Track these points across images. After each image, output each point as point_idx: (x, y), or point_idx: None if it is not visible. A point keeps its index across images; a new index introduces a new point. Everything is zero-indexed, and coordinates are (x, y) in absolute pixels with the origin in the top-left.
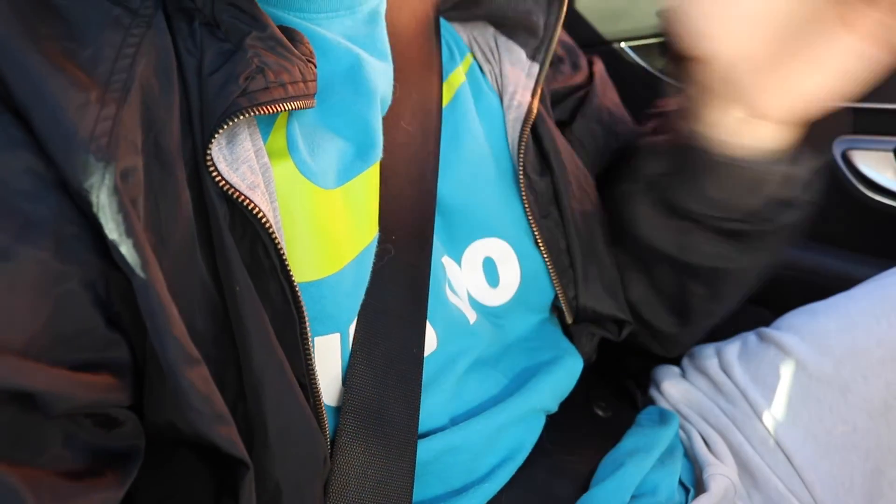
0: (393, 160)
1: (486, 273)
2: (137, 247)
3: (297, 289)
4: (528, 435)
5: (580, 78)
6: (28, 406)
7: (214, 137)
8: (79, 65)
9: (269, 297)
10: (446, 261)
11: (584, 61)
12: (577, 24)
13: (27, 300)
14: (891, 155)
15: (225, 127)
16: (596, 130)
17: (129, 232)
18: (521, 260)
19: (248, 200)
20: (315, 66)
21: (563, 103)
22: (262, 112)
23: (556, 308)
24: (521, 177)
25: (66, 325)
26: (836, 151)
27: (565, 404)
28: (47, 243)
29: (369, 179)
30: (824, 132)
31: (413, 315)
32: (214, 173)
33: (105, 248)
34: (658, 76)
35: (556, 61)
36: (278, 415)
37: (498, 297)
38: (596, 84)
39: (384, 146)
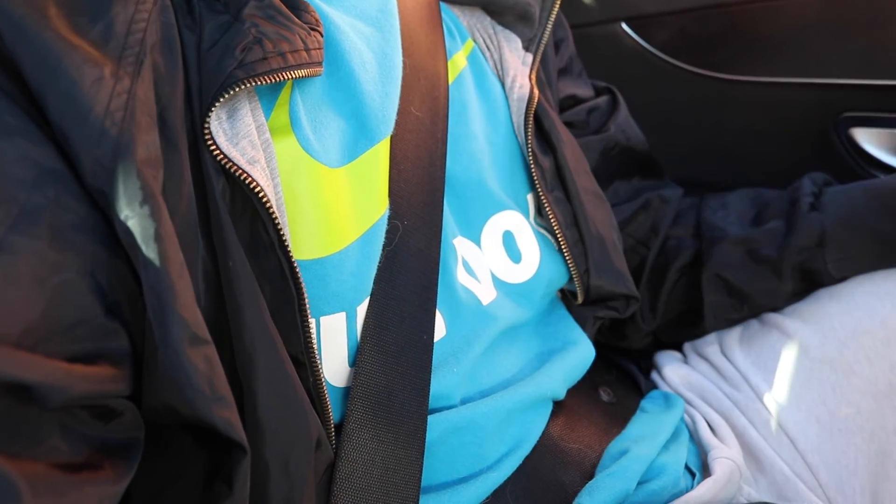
0: (403, 145)
1: (508, 249)
2: (154, 217)
3: (295, 265)
4: (535, 422)
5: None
6: (24, 398)
7: (212, 110)
8: (90, 41)
9: (268, 274)
10: (460, 242)
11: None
12: (576, 3)
13: (23, 290)
14: (895, 132)
15: (222, 99)
16: (619, 136)
17: (146, 201)
18: (536, 233)
19: (246, 175)
20: (321, 35)
21: (575, 108)
22: (260, 83)
23: (562, 291)
24: (530, 153)
25: (63, 315)
26: (840, 130)
27: (570, 390)
28: (43, 233)
29: (378, 157)
30: None
31: (423, 300)
32: (212, 146)
33: (106, 236)
34: (657, 56)
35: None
36: (269, 392)
37: (522, 273)
38: (620, 98)
39: (394, 131)
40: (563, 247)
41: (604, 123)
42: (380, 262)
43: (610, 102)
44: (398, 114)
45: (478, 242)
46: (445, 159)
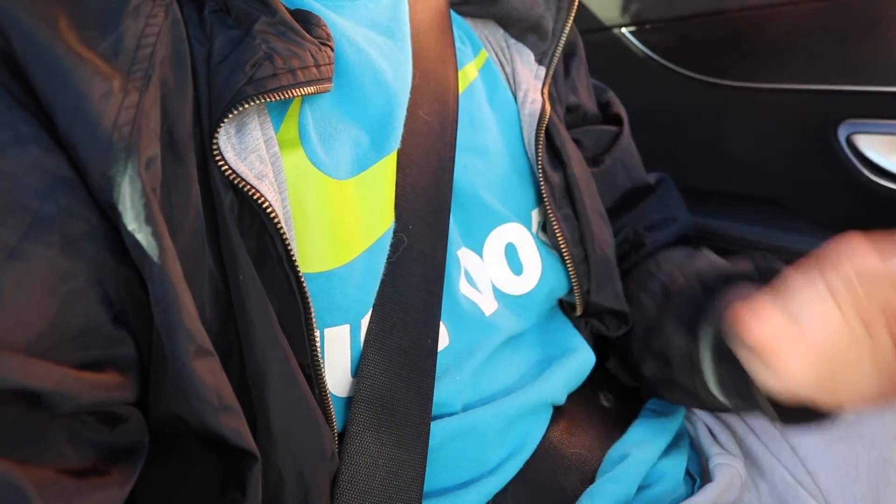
0: (410, 150)
1: (510, 261)
2: (157, 235)
3: (302, 279)
4: (536, 427)
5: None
6: (33, 404)
7: (221, 126)
8: (100, 54)
9: (275, 288)
10: (463, 253)
11: (611, 100)
12: (578, 10)
13: (34, 298)
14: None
15: (231, 115)
16: (617, 168)
17: (150, 219)
18: (538, 246)
19: (254, 191)
20: (332, 50)
21: (579, 128)
22: (269, 99)
23: (561, 301)
24: (540, 169)
25: (72, 323)
26: (841, 136)
27: (570, 395)
28: (55, 241)
29: (385, 169)
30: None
31: (428, 305)
32: (220, 162)
33: (115, 244)
34: (659, 62)
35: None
36: (281, 404)
37: (523, 285)
38: (625, 127)
39: (402, 136)
40: (568, 264)
41: (603, 152)
42: (384, 272)
43: (614, 133)
44: (407, 118)
45: (480, 254)
46: (453, 164)
